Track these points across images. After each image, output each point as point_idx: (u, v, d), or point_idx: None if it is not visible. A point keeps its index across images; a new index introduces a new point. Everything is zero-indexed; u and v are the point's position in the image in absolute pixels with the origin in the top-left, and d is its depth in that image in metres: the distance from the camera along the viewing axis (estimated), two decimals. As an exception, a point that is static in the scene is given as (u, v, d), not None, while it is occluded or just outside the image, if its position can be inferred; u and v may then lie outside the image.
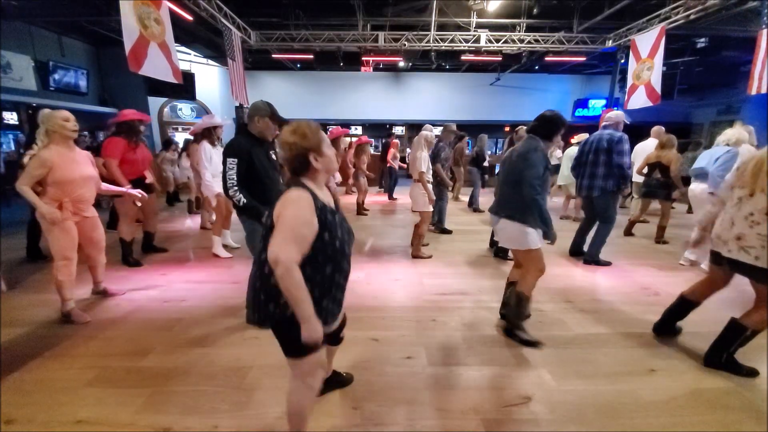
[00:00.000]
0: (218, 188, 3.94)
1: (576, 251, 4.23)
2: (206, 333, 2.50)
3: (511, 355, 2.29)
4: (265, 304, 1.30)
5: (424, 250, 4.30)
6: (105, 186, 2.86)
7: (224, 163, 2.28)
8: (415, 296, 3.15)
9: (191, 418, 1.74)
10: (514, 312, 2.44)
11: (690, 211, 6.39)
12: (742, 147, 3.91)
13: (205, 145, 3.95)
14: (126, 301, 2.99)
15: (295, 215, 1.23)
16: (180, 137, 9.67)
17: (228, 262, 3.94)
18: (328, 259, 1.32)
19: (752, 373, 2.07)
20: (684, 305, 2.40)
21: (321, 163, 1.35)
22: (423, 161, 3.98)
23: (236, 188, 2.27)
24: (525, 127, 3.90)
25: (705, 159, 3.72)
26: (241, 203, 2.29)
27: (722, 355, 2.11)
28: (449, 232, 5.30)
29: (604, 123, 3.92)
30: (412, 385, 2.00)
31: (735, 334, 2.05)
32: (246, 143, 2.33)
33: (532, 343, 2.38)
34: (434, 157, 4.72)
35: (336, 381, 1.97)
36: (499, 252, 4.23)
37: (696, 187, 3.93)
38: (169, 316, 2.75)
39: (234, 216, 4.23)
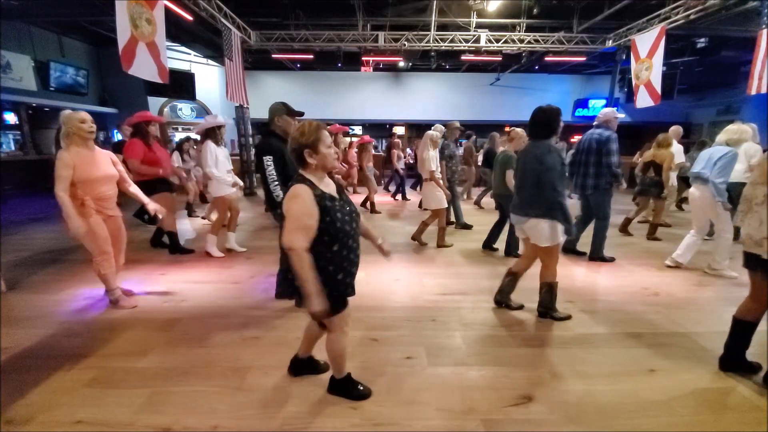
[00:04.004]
0: (226, 190, 4.01)
1: (570, 249, 4.30)
2: (206, 333, 2.50)
3: (511, 355, 2.29)
4: (293, 281, 1.55)
5: (422, 249, 4.45)
6: (134, 189, 2.96)
7: (260, 161, 2.45)
8: (415, 296, 3.14)
9: (191, 419, 1.73)
10: (548, 299, 2.72)
11: (678, 206, 6.31)
12: (746, 145, 3.83)
13: (210, 145, 3.90)
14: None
15: (298, 208, 1.47)
16: (179, 137, 9.62)
17: (228, 263, 3.94)
18: (334, 239, 1.54)
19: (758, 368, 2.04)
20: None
21: (315, 160, 1.54)
22: (432, 160, 4.16)
23: (276, 183, 2.43)
24: (517, 129, 3.94)
25: (703, 161, 3.47)
26: (279, 199, 2.38)
27: (742, 355, 2.03)
28: (470, 227, 5.46)
29: (595, 122, 4.00)
30: (412, 385, 1.99)
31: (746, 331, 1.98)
32: (276, 142, 2.50)
33: (566, 318, 2.73)
34: (440, 156, 4.82)
35: (310, 367, 2.04)
36: (510, 251, 4.22)
37: (695, 191, 3.57)
38: (168, 316, 2.75)
39: (240, 218, 4.36)
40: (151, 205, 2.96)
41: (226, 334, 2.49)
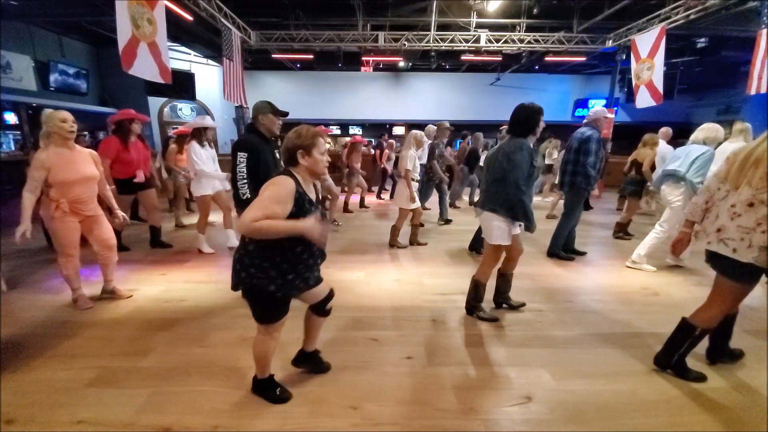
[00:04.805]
0: (208, 189, 4.00)
1: (569, 249, 4.30)
2: (206, 333, 2.50)
3: (511, 355, 2.29)
4: (239, 272, 1.59)
5: (422, 249, 4.44)
6: (108, 193, 2.92)
7: (234, 157, 2.45)
8: (415, 296, 3.15)
9: (191, 419, 1.74)
10: (472, 295, 2.75)
11: None
12: (734, 144, 3.81)
13: (194, 145, 3.91)
14: (126, 301, 2.99)
15: (272, 192, 1.48)
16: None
17: (228, 263, 3.92)
18: (301, 241, 1.56)
19: (700, 378, 2.03)
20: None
21: (306, 162, 1.58)
22: (409, 159, 4.12)
23: (245, 181, 2.45)
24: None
25: (679, 159, 3.43)
26: (245, 197, 2.42)
27: (673, 356, 2.05)
28: (449, 221, 5.69)
29: (585, 120, 4.01)
30: (412, 385, 2.00)
31: (685, 334, 1.99)
32: (255, 140, 2.53)
33: (492, 319, 2.70)
34: (430, 155, 4.85)
35: (313, 361, 2.06)
36: (474, 247, 4.32)
37: (665, 189, 3.58)
38: (169, 316, 2.75)
39: (233, 215, 4.35)
40: (119, 212, 2.96)
41: (226, 334, 2.50)
